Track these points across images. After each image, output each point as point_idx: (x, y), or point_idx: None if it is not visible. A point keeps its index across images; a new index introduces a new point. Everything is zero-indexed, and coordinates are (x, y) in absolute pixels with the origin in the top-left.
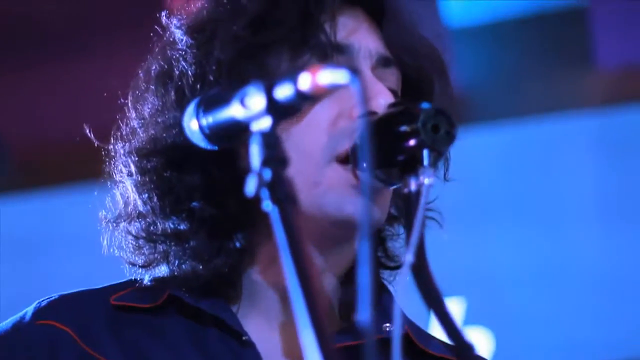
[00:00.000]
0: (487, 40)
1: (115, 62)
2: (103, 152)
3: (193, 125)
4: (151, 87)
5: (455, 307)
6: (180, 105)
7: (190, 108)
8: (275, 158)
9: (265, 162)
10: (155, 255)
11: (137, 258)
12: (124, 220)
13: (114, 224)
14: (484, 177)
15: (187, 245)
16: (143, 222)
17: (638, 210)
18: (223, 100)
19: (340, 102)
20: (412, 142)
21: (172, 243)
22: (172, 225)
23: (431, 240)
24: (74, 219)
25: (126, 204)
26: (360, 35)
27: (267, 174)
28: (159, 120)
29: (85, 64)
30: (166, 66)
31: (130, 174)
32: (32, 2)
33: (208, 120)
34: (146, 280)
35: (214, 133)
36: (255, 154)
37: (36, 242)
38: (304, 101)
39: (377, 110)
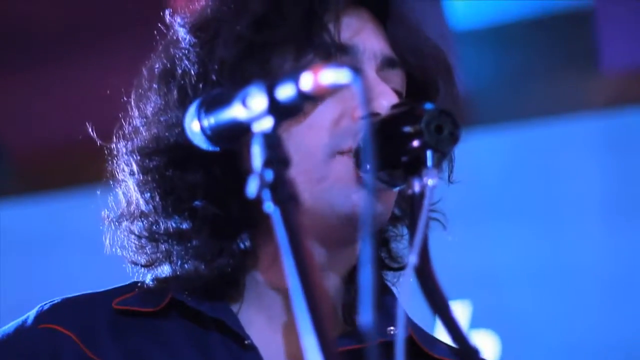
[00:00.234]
0: (491, 42)
1: (115, 65)
2: (104, 154)
3: (194, 126)
4: (154, 85)
5: (461, 310)
6: (183, 104)
7: (192, 109)
8: (277, 159)
9: (267, 163)
10: (158, 254)
11: (139, 257)
12: (127, 220)
13: (117, 224)
14: (489, 179)
15: (189, 245)
16: (145, 222)
17: None
18: (224, 101)
19: (343, 102)
20: (415, 143)
21: (175, 242)
22: (174, 225)
23: (436, 242)
24: (75, 221)
25: (128, 203)
26: (364, 36)
27: (269, 175)
28: (162, 119)
29: (85, 67)
30: (169, 65)
31: (132, 173)
32: (32, 4)
33: (209, 121)
34: (148, 280)
35: (216, 134)
36: (256, 155)
37: (38, 245)
38: (305, 101)
39: (380, 111)
